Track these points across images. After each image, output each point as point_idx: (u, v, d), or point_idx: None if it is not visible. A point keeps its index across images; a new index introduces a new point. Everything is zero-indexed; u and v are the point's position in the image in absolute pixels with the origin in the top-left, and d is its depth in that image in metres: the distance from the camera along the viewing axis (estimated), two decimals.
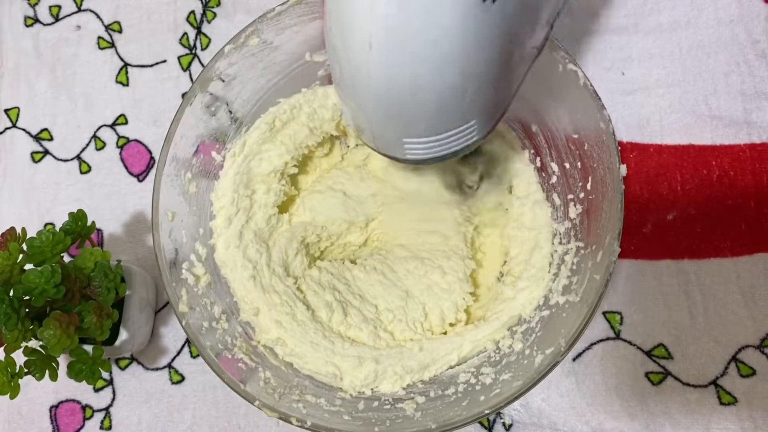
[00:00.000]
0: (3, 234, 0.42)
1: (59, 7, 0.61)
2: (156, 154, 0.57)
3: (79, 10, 0.60)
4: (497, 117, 0.32)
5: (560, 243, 0.45)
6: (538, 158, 0.47)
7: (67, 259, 0.46)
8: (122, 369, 0.52)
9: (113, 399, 0.52)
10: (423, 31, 0.24)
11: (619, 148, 0.41)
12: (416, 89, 0.27)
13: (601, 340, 0.49)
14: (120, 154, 0.57)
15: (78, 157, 0.57)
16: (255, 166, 0.48)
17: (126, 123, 0.57)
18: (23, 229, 0.43)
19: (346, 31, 0.26)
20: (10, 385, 0.41)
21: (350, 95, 0.29)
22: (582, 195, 0.43)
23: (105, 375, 0.52)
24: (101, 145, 0.57)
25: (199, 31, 0.59)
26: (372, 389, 0.44)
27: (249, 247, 0.47)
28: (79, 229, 0.45)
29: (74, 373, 0.43)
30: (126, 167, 0.57)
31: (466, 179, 0.48)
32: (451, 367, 0.45)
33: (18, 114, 0.59)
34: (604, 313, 0.50)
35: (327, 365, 0.44)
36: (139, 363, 0.52)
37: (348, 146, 0.53)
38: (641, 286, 0.50)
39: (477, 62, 0.27)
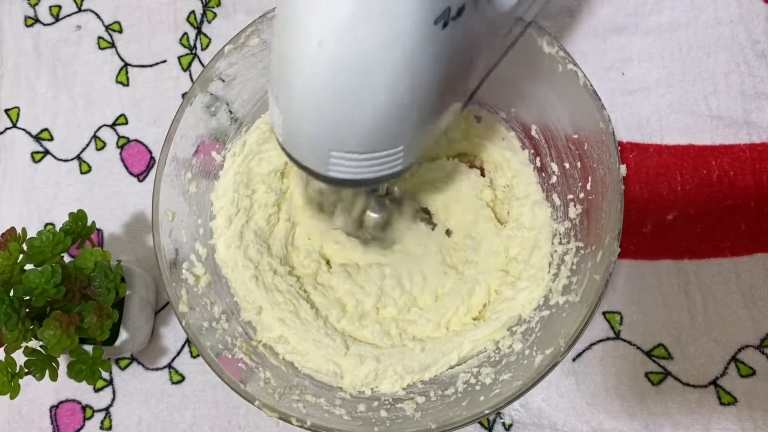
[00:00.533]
0: (3, 234, 0.42)
1: (59, 7, 0.61)
2: (156, 154, 0.57)
3: (80, 10, 0.60)
4: (421, 149, 0.32)
5: (560, 243, 0.45)
6: (538, 158, 0.47)
7: (67, 259, 0.46)
8: (122, 369, 0.52)
9: (113, 399, 0.52)
10: (374, 38, 0.25)
11: (619, 148, 0.41)
12: (357, 97, 0.26)
13: (601, 340, 0.49)
14: (120, 154, 0.57)
15: (78, 157, 0.57)
16: (255, 166, 0.48)
17: (126, 123, 0.57)
18: (23, 229, 0.43)
19: (298, 26, 0.26)
20: (10, 385, 0.41)
21: (287, 96, 0.28)
22: (582, 195, 0.43)
23: (105, 375, 0.52)
24: (101, 145, 0.57)
25: (199, 31, 0.59)
26: (372, 389, 0.44)
27: (250, 247, 0.47)
28: (79, 229, 0.45)
29: (74, 373, 0.43)
30: (126, 167, 0.57)
31: (368, 222, 0.47)
32: (451, 367, 0.45)
33: (18, 114, 0.59)
34: (604, 313, 0.50)
35: (328, 363, 0.44)
36: (139, 363, 0.52)
37: None
38: (641, 286, 0.50)
39: (417, 82, 0.27)
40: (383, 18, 0.24)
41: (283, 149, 0.32)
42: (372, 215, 0.47)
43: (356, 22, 0.24)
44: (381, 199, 0.47)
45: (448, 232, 0.50)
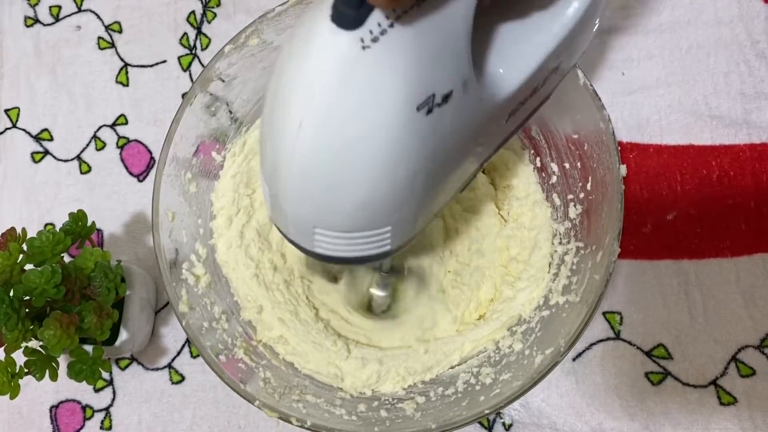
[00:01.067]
0: (3, 234, 0.42)
1: (59, 7, 0.61)
2: (156, 154, 0.57)
3: (79, 10, 0.60)
4: (412, 233, 0.32)
5: (560, 243, 0.45)
6: (538, 158, 0.47)
7: (67, 259, 0.46)
8: (122, 369, 0.52)
9: (113, 399, 0.52)
10: (353, 123, 0.24)
11: (619, 148, 0.41)
12: (337, 180, 0.26)
13: (601, 340, 0.49)
14: (120, 154, 0.57)
15: (78, 157, 0.57)
16: (256, 165, 0.48)
17: (126, 123, 0.57)
18: (23, 230, 0.43)
19: (281, 107, 0.26)
20: (10, 385, 0.41)
21: (272, 175, 0.28)
22: (582, 195, 0.43)
23: (105, 375, 0.52)
24: (101, 146, 0.57)
25: (199, 31, 0.59)
26: (372, 389, 0.44)
27: (251, 246, 0.47)
28: (79, 229, 0.45)
29: (74, 373, 0.43)
30: (126, 167, 0.57)
31: (373, 300, 0.47)
32: (452, 368, 0.45)
33: (18, 114, 0.59)
34: (604, 313, 0.50)
35: (329, 366, 0.44)
36: (139, 363, 0.52)
37: None
38: (641, 286, 0.50)
39: (400, 168, 0.26)
40: (361, 104, 0.24)
41: (273, 222, 0.32)
42: (376, 293, 0.47)
43: (334, 107, 0.24)
44: (385, 277, 0.46)
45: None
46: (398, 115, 0.24)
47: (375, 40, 0.23)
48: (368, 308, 0.49)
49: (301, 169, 0.26)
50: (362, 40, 0.23)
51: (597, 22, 0.34)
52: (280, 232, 0.31)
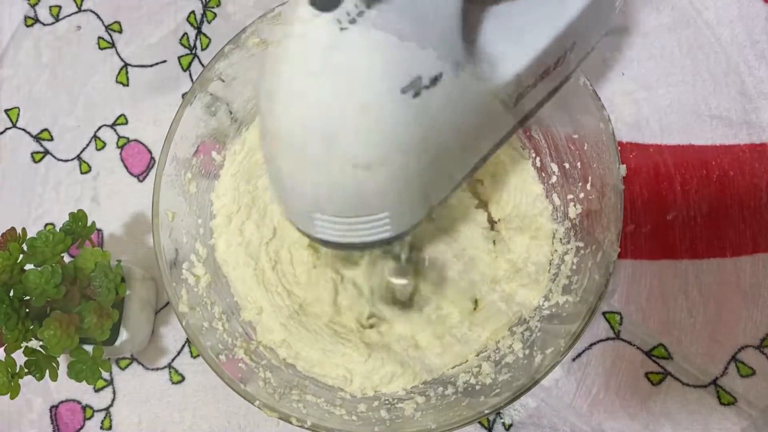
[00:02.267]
0: (3, 234, 0.42)
1: (59, 7, 0.61)
2: (156, 154, 0.57)
3: (80, 10, 0.60)
4: (414, 219, 0.30)
5: (560, 243, 0.45)
6: (538, 158, 0.47)
7: (67, 259, 0.46)
8: (122, 369, 0.52)
9: (113, 399, 0.52)
10: (337, 106, 0.24)
11: (619, 148, 0.41)
12: (326, 158, 0.25)
13: (601, 340, 0.49)
14: (120, 154, 0.57)
15: (78, 157, 0.57)
16: (257, 160, 0.48)
17: (126, 123, 0.57)
18: (23, 229, 0.43)
19: (273, 94, 0.25)
20: (10, 385, 0.41)
21: (270, 161, 0.28)
22: (582, 195, 0.43)
23: (105, 375, 0.52)
24: (101, 145, 0.57)
25: (199, 31, 0.59)
26: (375, 390, 0.44)
27: (251, 243, 0.46)
28: (79, 229, 0.45)
29: (74, 373, 0.43)
30: (126, 167, 0.57)
31: (396, 288, 0.46)
32: (452, 368, 0.45)
33: (18, 114, 0.59)
34: (604, 313, 0.50)
35: (337, 369, 0.44)
36: (139, 363, 0.52)
37: None
38: (641, 286, 0.50)
39: (389, 154, 0.25)
40: (344, 87, 0.24)
41: (279, 208, 0.32)
42: (395, 281, 0.45)
43: (316, 89, 0.24)
44: (403, 267, 0.45)
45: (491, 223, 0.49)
46: (381, 97, 0.24)
47: (353, 21, 0.23)
48: (392, 300, 0.48)
49: (292, 152, 0.26)
50: (339, 21, 0.23)
51: None
52: (289, 220, 0.32)
